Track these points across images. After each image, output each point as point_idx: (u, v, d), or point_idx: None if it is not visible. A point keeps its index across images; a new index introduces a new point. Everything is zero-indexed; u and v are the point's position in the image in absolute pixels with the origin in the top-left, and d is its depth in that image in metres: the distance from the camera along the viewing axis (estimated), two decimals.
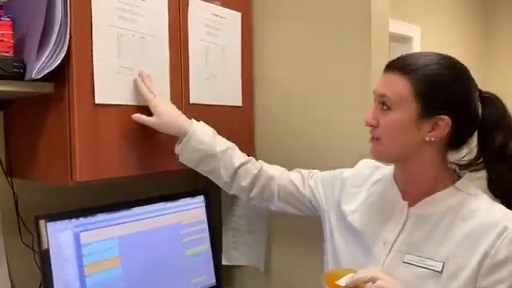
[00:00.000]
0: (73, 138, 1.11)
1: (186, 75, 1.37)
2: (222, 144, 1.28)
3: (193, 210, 1.55)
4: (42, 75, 1.06)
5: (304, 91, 1.54)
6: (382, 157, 1.04)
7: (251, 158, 1.33)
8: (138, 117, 1.20)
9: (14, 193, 1.32)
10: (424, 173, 1.00)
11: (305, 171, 1.32)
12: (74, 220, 1.24)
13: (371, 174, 1.16)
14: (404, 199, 1.04)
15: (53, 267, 1.17)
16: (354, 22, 1.42)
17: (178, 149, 1.25)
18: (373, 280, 0.86)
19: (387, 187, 1.09)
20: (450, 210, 0.97)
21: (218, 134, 1.44)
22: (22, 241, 1.33)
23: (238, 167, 1.28)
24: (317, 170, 1.33)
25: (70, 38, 1.09)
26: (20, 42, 1.11)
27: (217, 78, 1.47)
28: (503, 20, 4.24)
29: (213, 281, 1.57)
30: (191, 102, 1.39)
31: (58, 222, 1.21)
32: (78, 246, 1.24)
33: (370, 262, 1.03)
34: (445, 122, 0.94)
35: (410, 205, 1.03)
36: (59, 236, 1.20)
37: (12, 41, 1.09)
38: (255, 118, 1.63)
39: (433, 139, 0.96)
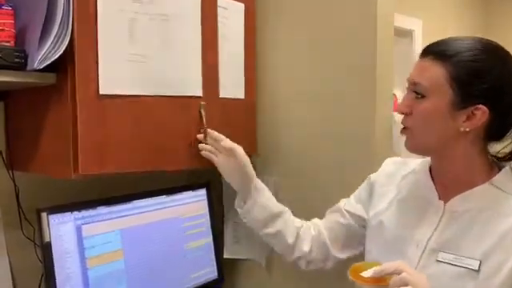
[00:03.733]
0: (76, 131, 1.10)
1: None
2: (280, 204, 1.26)
3: (194, 203, 1.53)
4: (44, 65, 1.04)
5: (309, 84, 1.52)
6: (414, 148, 0.98)
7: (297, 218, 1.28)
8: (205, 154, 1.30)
9: (15, 185, 1.31)
10: (459, 166, 0.95)
11: (335, 206, 1.25)
12: (76, 213, 1.22)
13: (398, 171, 1.12)
14: (439, 195, 1.00)
15: (55, 260, 1.16)
16: (359, 15, 1.40)
17: (245, 207, 1.24)
18: (397, 272, 0.83)
19: (420, 182, 1.05)
20: (487, 207, 0.93)
21: (221, 127, 1.44)
22: (24, 234, 1.32)
23: (300, 227, 1.23)
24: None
25: (73, 26, 1.07)
26: (22, 32, 1.09)
27: (220, 71, 1.45)
28: (506, 14, 4.23)
29: (214, 274, 1.56)
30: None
31: (60, 215, 1.19)
32: (80, 238, 1.22)
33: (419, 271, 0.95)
34: (481, 112, 0.89)
35: (445, 200, 0.99)
36: (61, 229, 1.19)
37: (13, 30, 1.07)
38: (258, 112, 1.62)
39: (468, 130, 0.90)
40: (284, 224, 1.23)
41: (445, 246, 0.95)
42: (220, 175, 1.34)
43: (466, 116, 0.90)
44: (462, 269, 0.90)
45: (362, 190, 1.20)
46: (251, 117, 1.60)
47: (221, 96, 1.45)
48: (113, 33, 1.12)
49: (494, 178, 0.95)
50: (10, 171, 1.30)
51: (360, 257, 1.18)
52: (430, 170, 1.04)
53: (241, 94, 1.54)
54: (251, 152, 1.61)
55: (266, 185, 1.31)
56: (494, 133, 0.94)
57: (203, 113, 1.35)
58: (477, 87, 0.89)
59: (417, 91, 0.93)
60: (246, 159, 1.27)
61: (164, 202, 1.44)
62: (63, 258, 1.18)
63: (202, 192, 1.57)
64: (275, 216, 1.23)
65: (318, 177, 1.50)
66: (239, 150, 1.27)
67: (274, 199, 1.27)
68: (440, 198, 0.99)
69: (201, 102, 1.34)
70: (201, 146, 1.30)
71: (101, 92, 1.11)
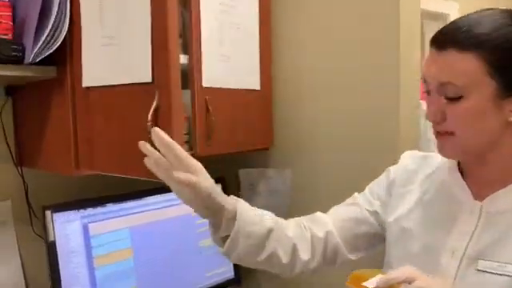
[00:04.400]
0: (75, 126, 1.06)
1: (198, 56, 1.29)
2: (267, 216, 0.97)
3: None
4: (40, 58, 1.00)
5: (329, 74, 1.43)
6: (458, 154, 0.86)
7: (293, 219, 1.04)
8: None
9: (24, 181, 1.28)
10: (503, 160, 0.83)
11: (348, 200, 1.08)
12: (82, 211, 1.19)
13: (420, 167, 0.98)
14: (473, 195, 0.87)
15: (60, 259, 1.13)
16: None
17: (226, 246, 0.91)
18: (409, 280, 0.73)
19: (448, 181, 0.91)
20: None
21: (234, 120, 1.37)
22: (34, 231, 1.30)
23: (294, 237, 0.98)
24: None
25: (72, 18, 1.02)
26: (20, 24, 1.05)
27: (232, 60, 1.38)
28: None
29: (231, 274, 1.50)
30: (204, 85, 1.30)
31: (66, 213, 1.16)
32: (87, 237, 1.19)
33: (440, 276, 0.84)
34: None
35: (480, 199, 0.86)
36: (67, 227, 1.16)
37: (10, 23, 1.04)
38: (274, 103, 1.54)
39: None
40: (275, 243, 0.95)
41: (484, 253, 0.82)
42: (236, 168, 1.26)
43: None
44: (506, 277, 0.79)
45: (380, 185, 1.04)
46: (267, 108, 1.52)
47: (233, 87, 1.39)
48: (89, 13, 1.04)
49: None
50: (19, 167, 1.28)
51: (372, 258, 1.05)
52: (459, 166, 0.91)
53: (256, 85, 1.47)
54: (267, 145, 1.55)
55: (282, 176, 1.20)
56: None
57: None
58: None
59: (449, 93, 0.79)
60: (211, 188, 0.87)
61: (176, 199, 1.38)
62: (69, 257, 1.15)
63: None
64: (263, 239, 0.93)
65: (337, 170, 1.42)
66: (199, 176, 0.85)
67: (257, 216, 0.94)
68: (474, 195, 0.87)
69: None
70: (147, 150, 0.85)
71: (84, 84, 1.05)
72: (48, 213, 1.13)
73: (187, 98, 1.29)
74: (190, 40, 1.28)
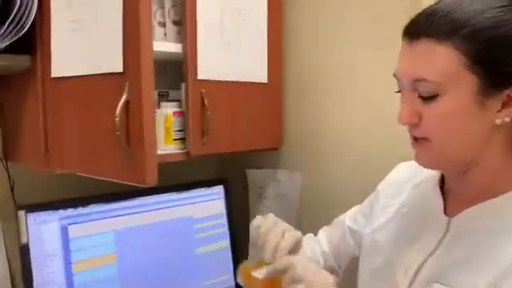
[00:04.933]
0: (45, 121, 0.97)
1: (192, 45, 1.16)
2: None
3: (208, 202, 1.36)
4: (4, 45, 0.91)
5: (345, 69, 1.27)
6: (434, 163, 0.73)
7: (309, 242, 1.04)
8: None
9: (8, 176, 1.21)
10: (488, 169, 0.70)
11: (339, 218, 1.03)
12: (61, 211, 1.10)
13: (411, 178, 0.87)
14: (446, 209, 0.75)
15: (33, 263, 1.05)
16: None
17: None
18: (287, 270, 0.73)
19: (427, 194, 0.80)
20: (502, 225, 0.68)
21: (236, 116, 1.25)
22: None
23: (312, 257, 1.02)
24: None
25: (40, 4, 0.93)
26: None
27: (233, 49, 1.25)
28: None
29: (231, 283, 1.38)
30: (199, 77, 1.18)
31: (42, 213, 1.08)
32: (66, 240, 1.10)
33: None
34: None
35: (454, 214, 0.74)
36: (42, 229, 1.08)
37: None
38: (284, 98, 1.39)
39: (507, 119, 0.65)
40: None
41: (443, 275, 0.70)
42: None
43: (500, 103, 0.65)
44: None
45: (367, 200, 0.96)
46: (276, 104, 1.38)
47: (235, 80, 1.25)
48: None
49: None
50: (4, 162, 1.21)
51: None
52: (443, 177, 0.79)
53: (263, 78, 1.33)
54: (276, 144, 1.41)
55: (291, 180, 1.09)
56: None
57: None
58: (508, 60, 0.63)
59: (422, 91, 0.67)
60: None
61: (171, 200, 1.28)
62: (44, 261, 1.07)
63: (219, 189, 1.38)
64: None
65: (351, 173, 1.27)
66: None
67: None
68: (446, 213, 0.75)
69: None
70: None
71: (52, 75, 0.95)
72: (21, 213, 1.05)
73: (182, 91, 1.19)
74: (184, 26, 1.17)
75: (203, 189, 1.35)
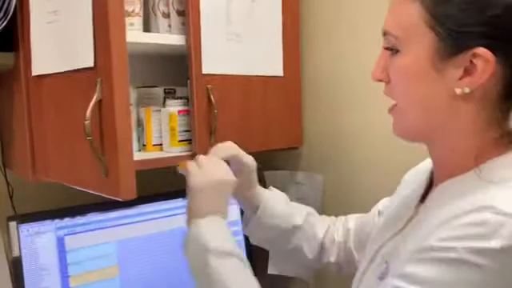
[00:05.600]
0: (30, 124, 0.88)
1: (196, 36, 1.05)
2: (299, 211, 0.97)
3: None
4: None
5: (366, 60, 1.13)
6: (402, 131, 0.67)
7: (329, 218, 1.01)
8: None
9: (7, 183, 1.14)
10: (456, 147, 0.63)
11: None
12: (57, 221, 1.02)
13: (428, 167, 0.78)
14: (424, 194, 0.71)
15: (26, 278, 0.97)
16: None
17: (247, 230, 0.97)
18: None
19: (418, 184, 0.75)
20: (447, 203, 0.60)
21: (247, 114, 1.13)
22: None
23: (324, 237, 0.97)
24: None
25: None
26: None
27: (243, 40, 1.13)
28: None
29: None
30: (204, 71, 1.07)
31: (36, 224, 1.00)
32: (62, 252, 1.02)
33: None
34: (483, 60, 0.57)
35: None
36: (36, 240, 1.00)
37: None
38: (303, 92, 1.26)
39: (467, 90, 0.58)
40: (301, 240, 0.96)
41: (392, 256, 0.67)
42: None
43: (462, 69, 0.59)
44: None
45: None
46: (294, 99, 1.26)
47: (246, 73, 1.13)
48: None
49: (486, 163, 0.60)
50: (3, 169, 1.14)
51: None
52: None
53: (278, 71, 1.20)
54: (296, 143, 1.28)
55: (312, 182, 1.09)
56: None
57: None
58: (470, 20, 0.57)
59: (389, 45, 0.64)
60: (252, 165, 0.93)
61: (178, 207, 1.18)
62: (38, 276, 0.99)
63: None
64: (287, 234, 0.95)
65: (376, 174, 1.14)
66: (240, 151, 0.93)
67: (285, 208, 0.96)
68: (421, 201, 0.71)
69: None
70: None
71: (33, 73, 0.85)
72: (12, 224, 0.97)
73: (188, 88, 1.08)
74: (186, 15, 1.06)
75: None
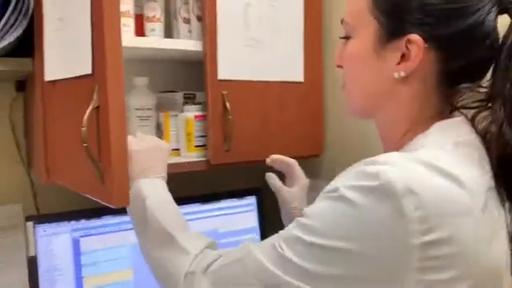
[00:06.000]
0: (44, 127, 0.90)
1: (212, 41, 1.05)
2: None
3: (238, 214, 1.23)
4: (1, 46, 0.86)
5: None
6: (350, 111, 0.72)
7: None
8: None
9: (31, 182, 1.18)
10: (394, 126, 0.66)
11: None
12: (73, 222, 1.04)
13: None
14: None
15: (40, 278, 1.00)
16: None
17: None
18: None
19: None
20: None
21: (265, 120, 1.13)
22: None
23: None
24: None
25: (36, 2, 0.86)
26: None
27: (262, 45, 1.11)
28: None
29: None
30: (219, 77, 1.06)
31: (52, 225, 1.02)
32: (77, 253, 1.04)
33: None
34: (417, 46, 0.60)
35: None
36: (52, 241, 1.02)
37: None
38: (325, 99, 1.23)
39: (403, 74, 0.62)
40: None
41: None
42: None
43: (400, 55, 0.63)
44: None
45: None
46: (316, 106, 1.22)
47: (264, 79, 1.12)
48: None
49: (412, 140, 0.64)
50: (29, 169, 1.18)
51: None
52: None
53: (298, 76, 1.18)
54: (317, 151, 1.25)
55: None
56: (456, 76, 0.62)
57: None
58: (404, 8, 0.61)
59: (344, 34, 0.69)
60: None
61: (196, 212, 1.18)
62: (52, 276, 1.01)
63: (251, 200, 1.25)
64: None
65: None
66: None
67: None
68: None
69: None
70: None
71: (46, 78, 0.87)
72: (29, 224, 1.00)
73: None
74: (203, 20, 1.05)
75: (233, 200, 1.22)
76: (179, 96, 1.19)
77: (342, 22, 0.69)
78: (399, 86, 0.63)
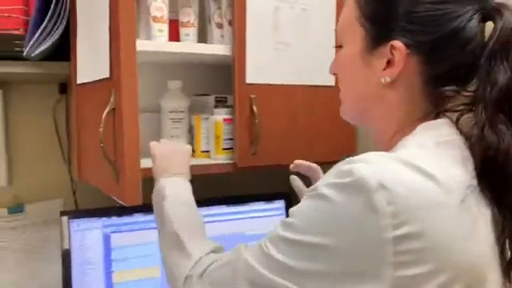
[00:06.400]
0: (78, 128, 0.95)
1: (240, 45, 1.06)
2: None
3: (266, 218, 1.23)
4: (36, 53, 0.92)
5: None
6: (344, 113, 0.75)
7: None
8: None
9: (71, 179, 1.25)
10: (383, 129, 0.68)
11: None
12: (104, 219, 1.09)
13: None
14: None
15: (73, 270, 1.05)
16: None
17: None
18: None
19: None
20: None
21: (294, 124, 1.14)
22: None
23: None
24: None
25: (71, 9, 0.92)
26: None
27: (291, 49, 1.11)
28: None
29: None
30: (247, 81, 1.07)
31: (85, 220, 1.08)
32: (108, 248, 1.09)
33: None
34: (400, 52, 0.62)
35: None
36: (85, 236, 1.07)
37: (22, 17, 0.98)
38: None
39: (388, 79, 0.64)
40: None
41: None
42: None
43: (385, 61, 0.64)
44: None
45: None
46: None
47: (293, 83, 1.12)
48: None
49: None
50: (69, 166, 1.25)
51: None
52: None
53: (328, 80, 1.16)
54: (350, 151, 1.22)
55: None
56: (436, 80, 0.62)
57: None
58: (387, 15, 0.63)
59: (338, 43, 0.72)
60: None
61: (222, 214, 1.19)
62: (84, 269, 1.06)
63: (279, 204, 1.25)
64: None
65: None
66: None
67: None
68: None
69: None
70: None
71: (78, 81, 0.92)
72: (64, 219, 1.06)
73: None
74: (232, 25, 1.07)
75: (261, 203, 1.23)
76: (211, 99, 1.21)
77: (335, 31, 0.73)
78: (386, 90, 0.65)
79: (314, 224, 0.56)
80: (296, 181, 0.99)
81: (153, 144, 0.86)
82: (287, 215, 1.25)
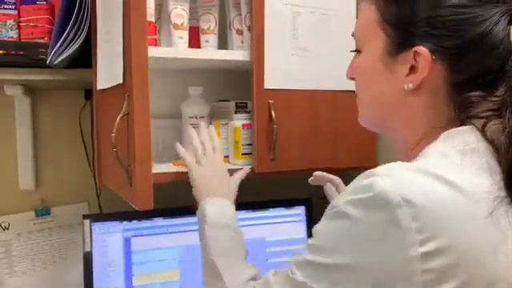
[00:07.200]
0: (98, 134, 0.98)
1: (259, 50, 1.06)
2: None
3: (286, 223, 1.23)
4: (58, 61, 0.95)
5: None
6: (362, 121, 0.73)
7: None
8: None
9: (95, 182, 1.28)
10: (407, 137, 0.66)
11: None
12: (125, 223, 1.11)
13: None
14: None
15: (94, 272, 1.07)
16: None
17: None
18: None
19: None
20: None
21: (314, 130, 1.13)
22: None
23: None
24: None
25: (92, 17, 0.94)
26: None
27: (310, 54, 1.11)
28: None
29: None
30: (266, 86, 1.07)
31: (107, 223, 1.10)
32: (128, 252, 1.10)
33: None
34: (424, 58, 0.60)
35: None
36: (106, 238, 1.09)
37: (48, 26, 1.02)
38: None
39: (411, 86, 0.62)
40: None
41: None
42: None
43: (408, 67, 0.63)
44: None
45: None
46: None
47: (312, 88, 1.11)
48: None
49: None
50: (94, 171, 1.28)
51: None
52: None
53: (348, 85, 1.15)
54: (369, 163, 1.20)
55: None
56: (462, 86, 0.60)
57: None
58: (411, 20, 0.61)
59: (355, 47, 0.71)
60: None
61: (242, 219, 1.18)
62: (105, 271, 1.08)
63: (300, 210, 1.24)
64: None
65: None
66: None
67: None
68: None
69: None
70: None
71: (98, 87, 0.94)
72: (86, 222, 1.08)
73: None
74: (251, 30, 1.07)
75: (282, 209, 1.22)
76: (232, 105, 1.22)
77: (352, 35, 0.71)
78: (409, 97, 0.63)
79: (339, 244, 0.54)
80: (330, 189, 0.98)
81: (192, 165, 0.87)
82: (308, 221, 1.24)
